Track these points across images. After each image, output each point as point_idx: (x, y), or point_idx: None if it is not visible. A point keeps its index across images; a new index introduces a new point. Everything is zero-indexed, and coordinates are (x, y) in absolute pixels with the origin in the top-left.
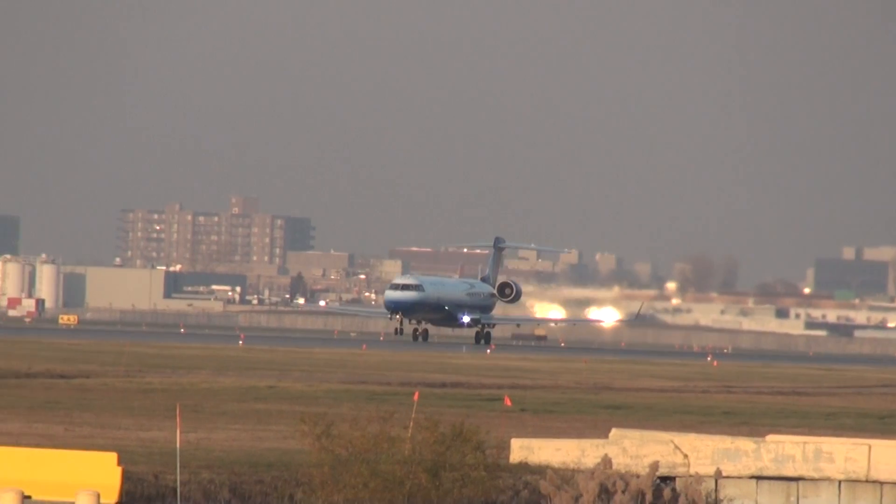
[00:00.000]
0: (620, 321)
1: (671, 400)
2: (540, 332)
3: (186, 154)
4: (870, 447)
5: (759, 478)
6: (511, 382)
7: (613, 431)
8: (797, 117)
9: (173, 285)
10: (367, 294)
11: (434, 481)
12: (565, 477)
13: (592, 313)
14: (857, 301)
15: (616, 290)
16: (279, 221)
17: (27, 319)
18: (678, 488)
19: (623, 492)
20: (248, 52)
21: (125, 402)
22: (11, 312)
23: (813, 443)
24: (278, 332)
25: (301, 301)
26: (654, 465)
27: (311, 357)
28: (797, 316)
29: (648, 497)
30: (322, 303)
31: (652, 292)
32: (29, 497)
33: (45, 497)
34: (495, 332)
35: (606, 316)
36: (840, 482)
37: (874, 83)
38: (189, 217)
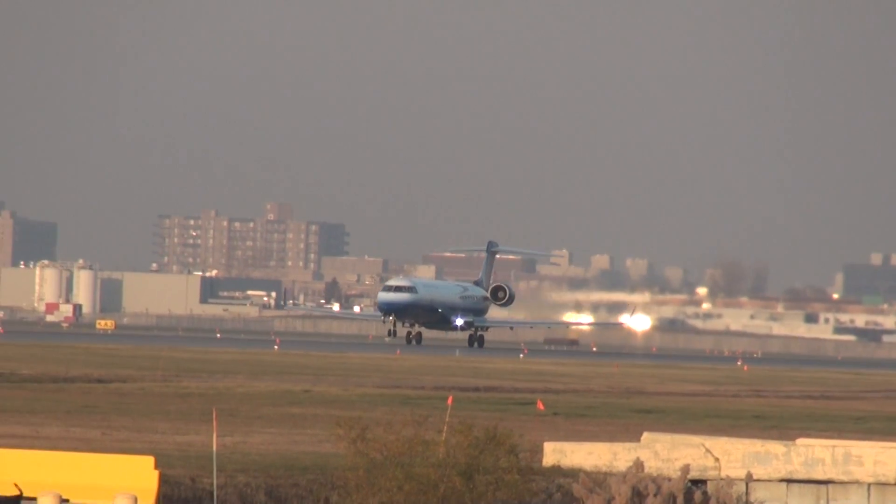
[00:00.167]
0: (621, 323)
1: (702, 404)
2: (572, 336)
3: (222, 161)
4: None
5: (789, 481)
6: (543, 387)
7: (645, 435)
8: (827, 123)
9: (209, 291)
10: None
11: (468, 484)
12: (597, 480)
13: (624, 318)
14: (885, 306)
15: (647, 295)
16: (314, 227)
17: (65, 325)
18: (709, 491)
19: (655, 495)
20: (283, 59)
21: (162, 406)
22: (49, 318)
23: (842, 446)
24: (313, 337)
25: (336, 307)
26: (686, 469)
27: (346, 361)
28: (826, 321)
29: (680, 500)
30: (357, 308)
31: (683, 297)
32: (67, 500)
33: (83, 500)
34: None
35: (638, 322)
36: (869, 485)
37: None
38: (225, 223)
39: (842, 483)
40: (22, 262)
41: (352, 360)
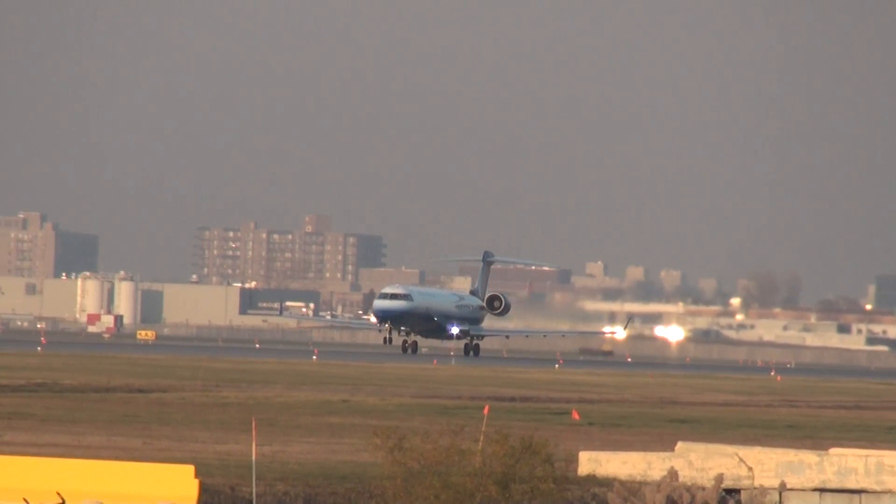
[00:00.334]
0: (613, 332)
1: (735, 414)
2: (606, 347)
3: (261, 174)
4: None
5: (822, 490)
6: (578, 397)
7: (679, 444)
8: (859, 135)
9: (248, 302)
10: None
11: (504, 493)
12: (632, 489)
13: (658, 330)
14: None
15: (681, 306)
16: (351, 239)
17: (106, 335)
18: (743, 500)
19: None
20: (322, 74)
21: (202, 415)
22: (91, 328)
23: (875, 456)
24: (351, 347)
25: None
26: (720, 478)
27: (383, 372)
28: (859, 331)
29: None
30: None
31: (716, 308)
32: None
33: None
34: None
35: (672, 333)
36: None
37: None
38: (264, 235)
39: (875, 492)
40: (64, 274)
41: (389, 371)
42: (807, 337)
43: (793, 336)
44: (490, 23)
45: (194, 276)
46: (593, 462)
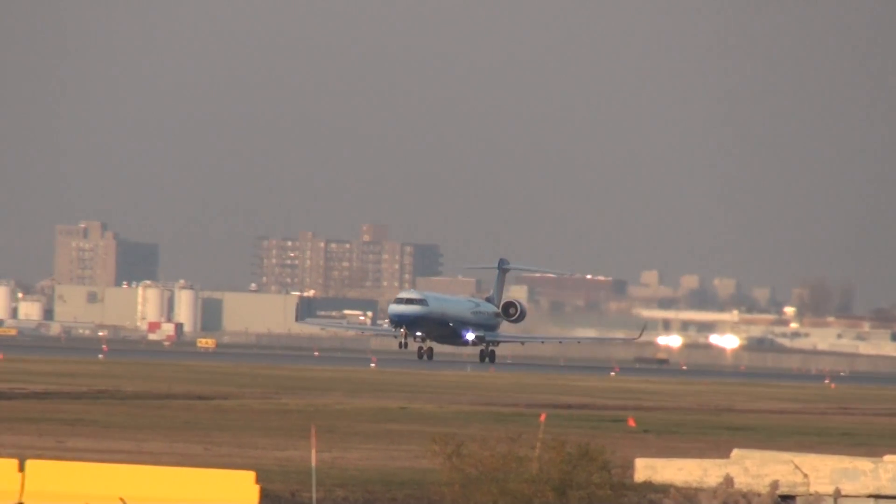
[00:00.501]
0: (625, 339)
1: (790, 421)
2: (661, 356)
3: (319, 184)
4: None
5: (877, 496)
6: (635, 404)
7: (735, 451)
8: None
9: (307, 310)
10: None
11: (561, 499)
12: (688, 495)
13: (713, 338)
14: None
15: (735, 315)
16: (408, 248)
17: (166, 343)
18: None
19: None
20: (378, 84)
21: (262, 422)
22: (151, 336)
23: None
24: (407, 355)
25: None
26: (775, 485)
27: (440, 379)
28: None
29: None
30: None
31: (770, 317)
32: None
33: None
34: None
35: (727, 341)
36: None
37: None
38: (322, 244)
39: None
40: (125, 283)
41: (445, 378)
42: (860, 345)
43: (846, 344)
44: (573, 43)
45: (253, 285)
46: (649, 469)
